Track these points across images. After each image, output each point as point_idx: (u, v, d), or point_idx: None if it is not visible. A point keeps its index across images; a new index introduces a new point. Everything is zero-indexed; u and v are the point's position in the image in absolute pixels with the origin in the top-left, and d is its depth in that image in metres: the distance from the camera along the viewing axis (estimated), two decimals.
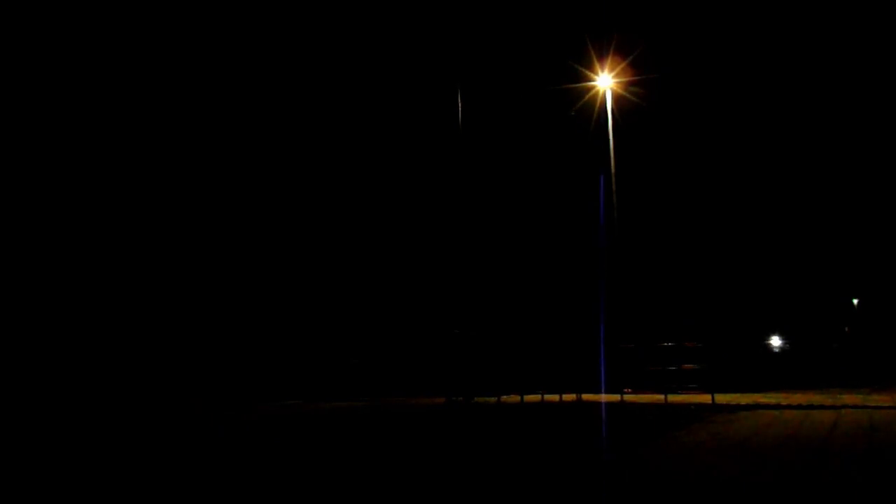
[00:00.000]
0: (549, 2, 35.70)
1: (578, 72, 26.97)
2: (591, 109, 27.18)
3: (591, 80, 26.78)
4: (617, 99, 26.69)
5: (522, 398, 21.77)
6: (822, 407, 16.59)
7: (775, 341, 31.45)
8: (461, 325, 26.34)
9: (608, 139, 26.29)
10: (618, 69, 26.59)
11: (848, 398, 18.60)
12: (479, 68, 31.57)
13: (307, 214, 35.25)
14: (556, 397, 21.33)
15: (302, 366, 29.34)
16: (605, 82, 26.57)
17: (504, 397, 22.62)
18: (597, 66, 26.67)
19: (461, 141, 26.70)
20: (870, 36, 34.09)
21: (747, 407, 17.05)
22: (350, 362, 29.12)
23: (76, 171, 33.26)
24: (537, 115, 34.01)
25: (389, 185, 35.37)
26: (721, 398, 18.38)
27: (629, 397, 20.70)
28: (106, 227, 33.27)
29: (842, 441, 10.89)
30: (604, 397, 20.99)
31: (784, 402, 17.58)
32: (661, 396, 19.47)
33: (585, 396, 21.40)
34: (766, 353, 30.70)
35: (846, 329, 35.54)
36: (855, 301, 36.52)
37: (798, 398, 18.84)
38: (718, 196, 35.22)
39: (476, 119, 28.02)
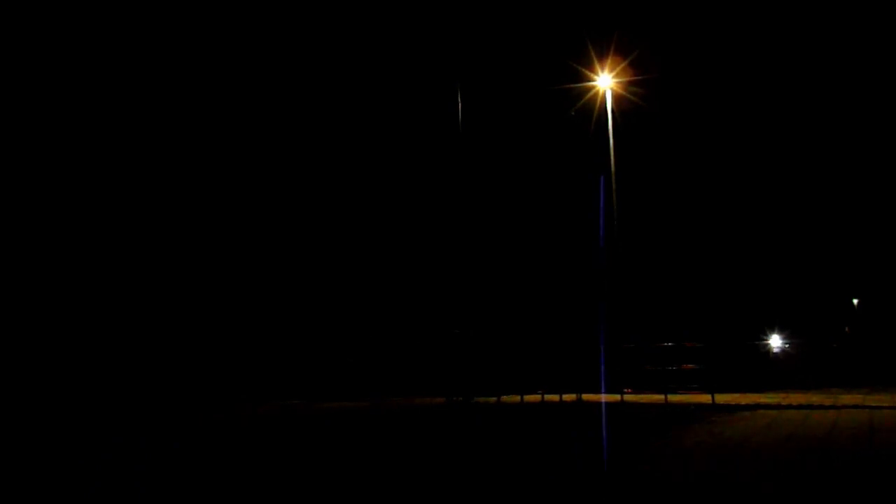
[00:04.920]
0: (549, 2, 35.71)
1: (578, 72, 26.98)
2: (591, 109, 27.17)
3: (591, 80, 26.77)
4: (617, 99, 26.68)
5: (522, 398, 21.76)
6: (822, 407, 16.58)
7: (775, 341, 31.42)
8: (461, 325, 26.32)
9: (608, 139, 26.28)
10: (618, 69, 26.58)
11: (848, 398, 18.60)
12: (479, 68, 31.58)
13: (308, 214, 35.26)
14: (556, 397, 21.32)
15: (302, 366, 29.31)
16: (605, 82, 26.56)
17: (504, 397, 22.61)
18: (597, 66, 26.67)
19: (461, 141, 26.69)
20: (870, 36, 34.09)
21: (747, 407, 17.05)
22: (349, 362, 29.10)
23: (76, 172, 33.26)
24: (537, 115, 34.02)
25: (390, 185, 35.38)
26: (721, 398, 18.37)
27: (629, 397, 20.69)
28: (106, 226, 33.25)
29: (842, 441, 10.89)
30: (604, 397, 20.97)
31: (784, 402, 17.57)
32: (661, 396, 19.46)
33: (585, 396, 21.39)
34: (766, 353, 30.68)
35: (846, 329, 35.52)
36: (855, 301, 36.51)
37: (798, 398, 18.83)
38: (718, 196, 35.24)
39: (476, 119, 28.02)
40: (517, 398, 21.90)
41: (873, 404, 16.74)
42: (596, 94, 26.90)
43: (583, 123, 27.87)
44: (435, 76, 31.68)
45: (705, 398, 18.55)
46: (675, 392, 20.57)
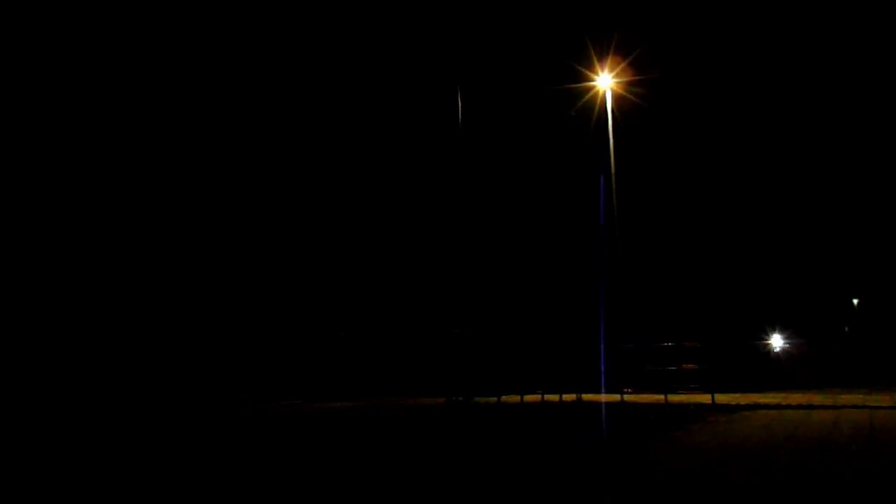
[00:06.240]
0: (549, 2, 35.71)
1: (578, 72, 26.98)
2: (591, 109, 27.18)
3: (591, 80, 26.77)
4: (617, 99, 26.68)
5: (522, 398, 21.76)
6: (822, 407, 16.59)
7: (775, 341, 31.44)
8: (461, 325, 26.33)
9: (608, 139, 26.29)
10: (618, 69, 26.59)
11: (848, 398, 18.61)
12: (479, 68, 31.59)
13: (308, 215, 35.26)
14: (556, 397, 21.32)
15: (302, 366, 29.33)
16: (605, 82, 26.56)
17: (504, 397, 22.62)
18: (597, 66, 26.68)
19: (461, 141, 26.69)
20: (870, 36, 34.09)
21: (747, 407, 17.05)
22: (349, 362, 29.11)
23: (76, 171, 33.26)
24: (537, 115, 34.01)
25: (390, 185, 35.38)
26: (721, 398, 18.38)
27: (629, 397, 20.70)
28: (106, 226, 33.24)
29: (842, 441, 10.89)
30: (604, 397, 20.99)
31: (784, 402, 17.58)
32: (661, 396, 19.47)
33: (585, 396, 21.40)
34: (766, 353, 30.70)
35: (846, 329, 35.54)
36: (855, 301, 36.53)
37: (798, 398, 18.84)
38: (718, 196, 35.24)
39: (476, 119, 28.03)
40: (517, 398, 21.90)
41: (873, 404, 16.74)
42: (596, 94, 26.91)
43: (583, 123, 27.89)
44: (435, 76, 31.71)
45: (705, 398, 18.55)
46: (675, 392, 20.59)
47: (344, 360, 29.29)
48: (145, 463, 10.76)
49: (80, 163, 33.41)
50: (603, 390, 22.05)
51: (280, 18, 35.97)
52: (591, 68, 26.71)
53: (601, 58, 26.68)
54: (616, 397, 20.53)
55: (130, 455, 11.79)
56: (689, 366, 22.84)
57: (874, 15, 33.57)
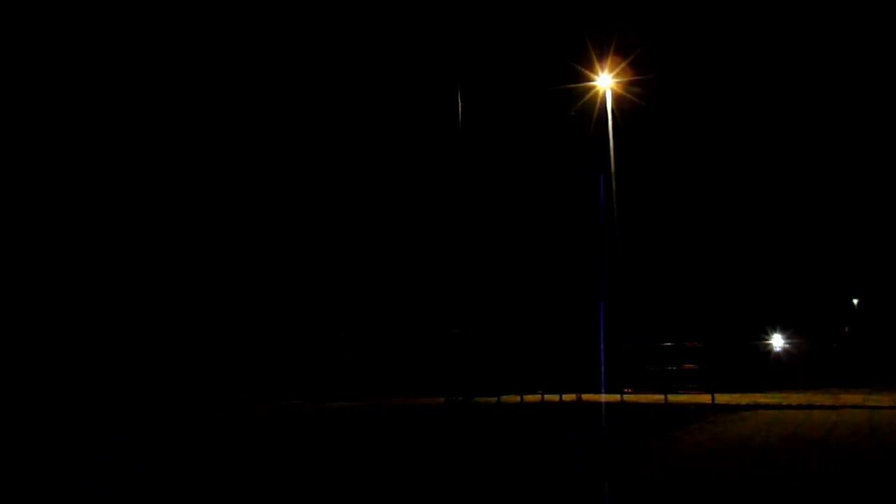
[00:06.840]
0: (548, 2, 35.71)
1: (578, 72, 26.98)
2: (591, 109, 27.18)
3: (591, 80, 26.77)
4: (617, 99, 26.68)
5: (522, 398, 21.77)
6: (822, 407, 16.59)
7: (776, 341, 31.43)
8: (461, 325, 26.32)
9: (608, 139, 26.29)
10: (618, 69, 26.59)
11: (848, 398, 18.60)
12: (479, 68, 31.59)
13: (308, 215, 35.25)
14: (556, 397, 21.33)
15: (302, 366, 29.32)
16: (605, 82, 26.56)
17: (504, 397, 22.62)
18: (597, 66, 26.68)
19: (461, 141, 26.69)
20: (870, 36, 34.09)
21: (747, 407, 17.06)
22: (349, 362, 29.10)
23: (77, 171, 33.25)
24: (537, 115, 33.99)
25: (389, 185, 35.37)
26: (721, 398, 18.38)
27: (629, 397, 20.70)
28: (106, 227, 33.24)
29: (842, 441, 10.89)
30: (604, 397, 20.99)
31: (784, 402, 17.58)
32: (661, 396, 19.47)
33: (585, 396, 21.40)
34: (767, 353, 30.68)
35: (846, 329, 35.53)
36: (855, 301, 36.52)
37: (798, 398, 18.84)
38: (718, 196, 35.22)
39: (476, 119, 28.02)
40: (517, 398, 21.90)
41: (873, 404, 16.75)
42: (596, 94, 26.90)
43: (583, 123, 27.88)
44: (435, 76, 31.71)
45: (705, 398, 18.55)
46: (675, 392, 20.58)
47: (344, 360, 29.27)
48: (145, 463, 10.76)
49: (79, 163, 33.41)
50: (603, 390, 22.05)
51: (280, 18, 35.98)
52: (591, 68, 26.72)
53: (601, 58, 26.69)
54: (616, 397, 20.54)
55: (130, 455, 11.79)
56: (689, 366, 22.84)
57: (874, 15, 33.58)
